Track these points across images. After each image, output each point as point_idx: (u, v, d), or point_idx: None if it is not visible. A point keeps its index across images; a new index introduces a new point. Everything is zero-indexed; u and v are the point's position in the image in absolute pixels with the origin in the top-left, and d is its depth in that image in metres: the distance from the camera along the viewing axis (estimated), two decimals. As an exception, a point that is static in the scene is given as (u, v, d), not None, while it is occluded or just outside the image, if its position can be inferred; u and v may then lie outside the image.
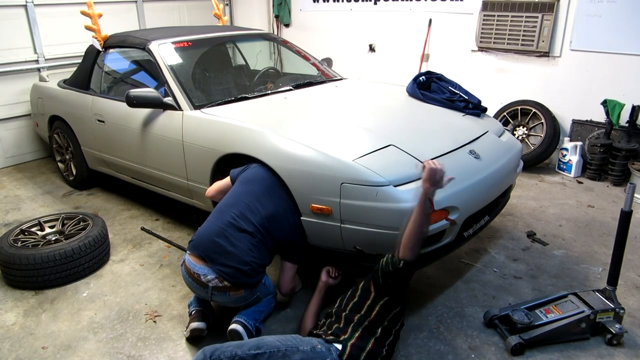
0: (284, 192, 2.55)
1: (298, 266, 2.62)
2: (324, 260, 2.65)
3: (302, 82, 3.77)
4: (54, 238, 3.17)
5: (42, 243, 3.06)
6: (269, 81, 3.96)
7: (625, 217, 2.32)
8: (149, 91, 3.19)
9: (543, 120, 4.73)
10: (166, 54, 3.48)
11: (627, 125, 4.42)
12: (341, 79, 4.05)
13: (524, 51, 4.90)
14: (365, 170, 2.35)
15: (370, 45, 6.14)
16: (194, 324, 2.43)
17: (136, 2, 5.91)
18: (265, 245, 2.41)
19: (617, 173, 4.42)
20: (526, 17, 4.76)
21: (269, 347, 1.93)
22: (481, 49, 5.21)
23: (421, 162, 2.17)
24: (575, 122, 4.80)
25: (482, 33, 5.11)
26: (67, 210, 4.02)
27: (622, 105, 4.39)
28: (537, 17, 4.69)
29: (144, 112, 3.37)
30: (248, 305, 2.47)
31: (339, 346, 2.02)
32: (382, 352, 2.11)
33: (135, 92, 3.14)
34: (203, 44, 3.87)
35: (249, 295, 2.43)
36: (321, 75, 4.05)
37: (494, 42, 5.05)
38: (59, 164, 4.67)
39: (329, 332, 2.13)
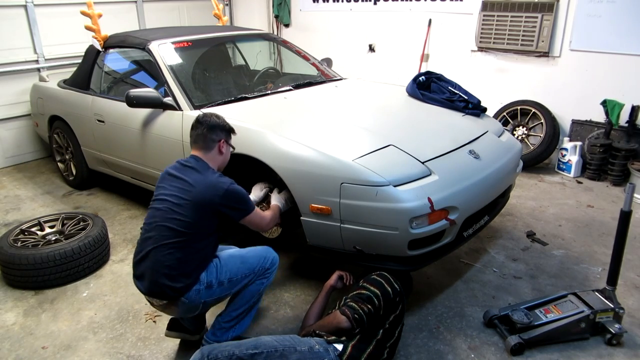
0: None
1: (256, 206, 2.29)
2: (339, 264, 2.59)
3: (302, 82, 3.77)
4: (54, 238, 3.17)
5: (42, 243, 3.06)
6: (269, 81, 3.96)
7: (625, 217, 2.32)
8: (148, 91, 3.19)
9: (543, 120, 4.73)
10: (166, 54, 3.48)
11: (626, 125, 4.42)
12: (341, 79, 4.05)
13: (523, 51, 4.90)
14: (364, 170, 2.36)
15: (370, 46, 6.14)
16: (167, 332, 2.39)
17: (136, 2, 5.91)
18: (190, 243, 2.09)
19: (617, 173, 4.42)
20: (526, 17, 4.76)
21: (266, 347, 1.93)
22: (481, 49, 5.21)
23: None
24: (574, 122, 4.80)
25: (481, 33, 5.11)
26: (67, 210, 4.02)
27: (621, 105, 4.40)
28: (536, 17, 4.68)
29: (144, 112, 3.37)
30: (231, 300, 2.26)
31: (340, 346, 2.03)
32: (383, 354, 2.11)
33: (135, 92, 3.14)
34: (203, 44, 3.88)
35: (192, 303, 2.13)
36: (321, 75, 4.05)
37: (494, 42, 5.05)
38: (59, 164, 4.67)
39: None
